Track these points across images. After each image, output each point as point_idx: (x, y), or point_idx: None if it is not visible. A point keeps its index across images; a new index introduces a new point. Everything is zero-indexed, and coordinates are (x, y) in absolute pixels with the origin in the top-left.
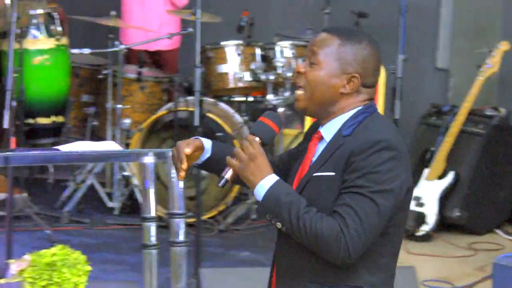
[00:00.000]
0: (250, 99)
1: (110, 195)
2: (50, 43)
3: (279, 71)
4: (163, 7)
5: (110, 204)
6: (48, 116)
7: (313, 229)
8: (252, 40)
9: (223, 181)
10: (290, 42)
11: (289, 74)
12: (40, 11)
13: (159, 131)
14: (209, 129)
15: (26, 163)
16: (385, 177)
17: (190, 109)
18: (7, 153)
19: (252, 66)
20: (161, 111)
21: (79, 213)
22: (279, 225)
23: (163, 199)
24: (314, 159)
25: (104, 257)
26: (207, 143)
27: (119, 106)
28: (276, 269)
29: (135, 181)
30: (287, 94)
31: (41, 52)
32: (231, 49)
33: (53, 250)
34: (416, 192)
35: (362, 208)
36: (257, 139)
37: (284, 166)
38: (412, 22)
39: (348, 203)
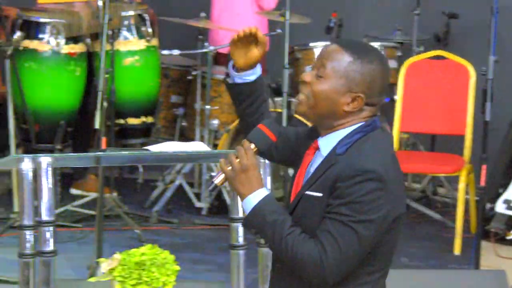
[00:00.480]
0: None
1: (198, 196)
2: (141, 44)
3: None
4: (251, 9)
5: (198, 204)
6: (138, 116)
7: (294, 252)
8: None
9: (212, 186)
10: (379, 43)
11: None
12: (131, 12)
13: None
14: None
15: (117, 163)
16: (367, 207)
17: (278, 110)
18: (98, 153)
19: None
20: None
21: (168, 213)
22: (262, 241)
23: None
24: (310, 170)
25: (192, 257)
26: (259, 69)
27: (208, 107)
28: (270, 280)
29: None
30: None
31: (131, 53)
32: (320, 50)
33: (143, 249)
34: (506, 195)
35: (343, 236)
36: (253, 146)
37: (289, 144)
38: (504, 23)
39: (329, 230)
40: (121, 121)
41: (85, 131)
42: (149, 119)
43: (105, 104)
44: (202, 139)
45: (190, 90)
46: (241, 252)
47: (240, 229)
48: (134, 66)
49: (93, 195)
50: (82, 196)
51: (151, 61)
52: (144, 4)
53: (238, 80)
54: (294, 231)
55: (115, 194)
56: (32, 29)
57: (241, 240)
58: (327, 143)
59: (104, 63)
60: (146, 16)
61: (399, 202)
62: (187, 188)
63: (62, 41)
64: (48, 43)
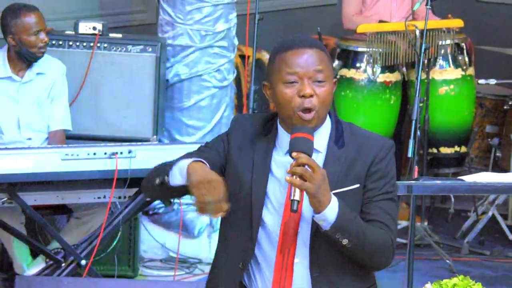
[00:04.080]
0: None
1: (511, 228)
2: (456, 74)
3: None
4: None
5: (511, 237)
6: (451, 146)
7: (375, 241)
8: None
9: (296, 205)
10: None
11: None
12: (448, 41)
13: None
14: None
15: (429, 192)
16: (396, 178)
17: None
18: (411, 181)
19: None
20: None
21: (480, 245)
22: (345, 241)
23: None
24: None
25: None
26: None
27: None
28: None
29: None
30: None
31: (446, 82)
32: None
33: (454, 280)
34: None
35: (394, 211)
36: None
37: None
38: None
39: (386, 210)
40: (434, 150)
41: (397, 158)
42: (463, 149)
43: (418, 132)
44: None
45: (506, 120)
46: None
47: None
48: (449, 95)
49: (404, 223)
50: None
51: (467, 91)
52: (462, 33)
53: (177, 184)
54: (364, 222)
55: (426, 223)
56: (349, 58)
57: None
58: (318, 140)
59: (419, 92)
60: (464, 45)
61: None
62: (500, 220)
63: (378, 70)
64: (365, 71)
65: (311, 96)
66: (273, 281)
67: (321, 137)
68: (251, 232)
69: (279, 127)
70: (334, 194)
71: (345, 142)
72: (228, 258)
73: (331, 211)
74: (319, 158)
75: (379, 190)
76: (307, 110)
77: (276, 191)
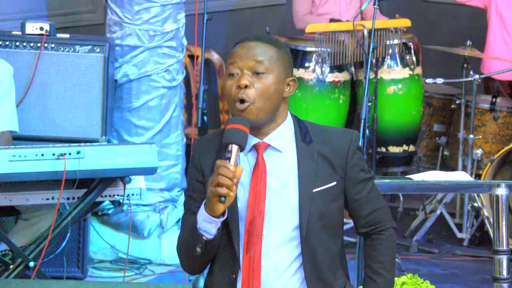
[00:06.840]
0: None
1: (459, 226)
2: (404, 73)
3: None
4: None
5: (459, 235)
6: (399, 145)
7: (393, 254)
8: None
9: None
10: None
11: None
12: (396, 41)
13: (511, 162)
14: None
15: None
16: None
17: None
18: None
19: None
20: None
21: (428, 243)
22: None
23: None
24: (273, 170)
25: None
26: None
27: (471, 136)
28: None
29: (486, 212)
30: None
31: (394, 81)
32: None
33: (403, 278)
34: None
35: (377, 190)
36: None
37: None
38: None
39: (377, 194)
40: (382, 149)
41: None
42: (411, 148)
43: (367, 132)
44: (464, 168)
45: (453, 119)
46: (505, 285)
47: (504, 262)
48: (397, 95)
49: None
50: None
51: (414, 90)
52: (409, 33)
53: (215, 231)
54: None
55: None
56: (298, 58)
57: (505, 273)
58: (279, 140)
59: (367, 91)
60: (411, 45)
61: None
62: (448, 218)
63: (327, 69)
64: (314, 71)
65: (246, 87)
66: (242, 282)
67: (284, 136)
68: (232, 243)
69: None
70: (314, 193)
71: (312, 138)
72: (222, 275)
73: None
74: (288, 157)
75: (362, 179)
76: (241, 101)
77: (240, 194)
